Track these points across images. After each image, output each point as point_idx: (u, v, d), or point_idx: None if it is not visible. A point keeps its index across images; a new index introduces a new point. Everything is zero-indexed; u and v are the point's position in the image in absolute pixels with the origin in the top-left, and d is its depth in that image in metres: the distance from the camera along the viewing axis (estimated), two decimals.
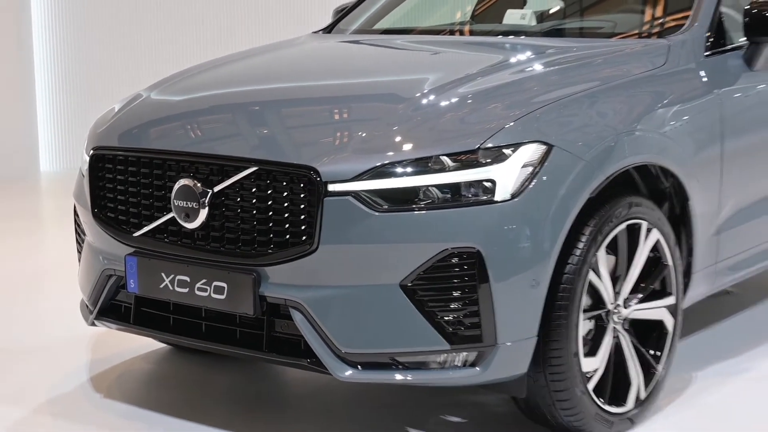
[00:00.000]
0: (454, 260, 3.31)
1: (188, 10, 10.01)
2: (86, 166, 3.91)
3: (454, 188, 3.34)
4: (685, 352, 4.38)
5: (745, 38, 4.35)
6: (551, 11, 5.10)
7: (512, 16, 5.00)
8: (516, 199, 3.35)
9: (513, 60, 4.24)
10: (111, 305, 3.90)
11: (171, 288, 3.62)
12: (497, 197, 3.34)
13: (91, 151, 3.90)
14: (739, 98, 4.30)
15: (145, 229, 3.69)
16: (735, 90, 4.28)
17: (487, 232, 3.32)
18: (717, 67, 4.25)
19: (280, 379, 4.36)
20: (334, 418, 3.95)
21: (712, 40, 4.27)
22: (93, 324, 3.97)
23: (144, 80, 5.13)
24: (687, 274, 4.08)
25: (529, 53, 4.32)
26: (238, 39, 8.98)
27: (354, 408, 4.04)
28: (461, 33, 5.21)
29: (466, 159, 3.36)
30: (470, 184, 3.34)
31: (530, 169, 3.39)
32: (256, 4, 9.95)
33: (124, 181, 3.77)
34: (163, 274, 3.64)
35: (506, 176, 3.35)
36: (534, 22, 4.93)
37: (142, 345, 4.55)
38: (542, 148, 3.42)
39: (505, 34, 4.85)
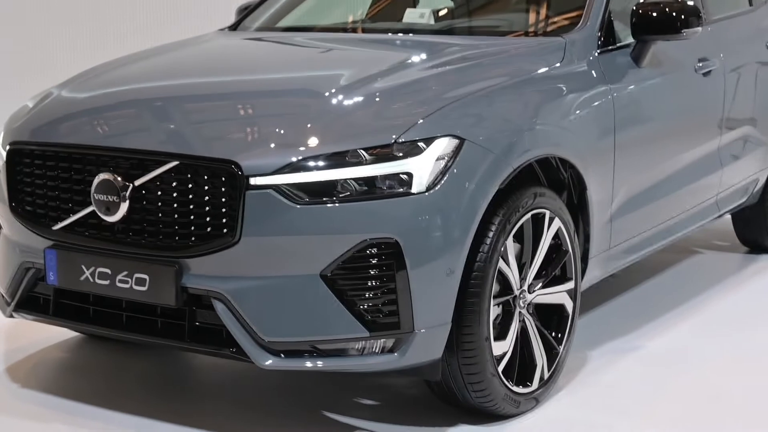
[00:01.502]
0: (373, 250, 3.30)
1: (105, 2, 9.54)
2: (3, 161, 3.79)
3: (371, 181, 3.32)
4: (580, 332, 4.43)
5: (632, 37, 4.39)
6: (449, 10, 5.08)
7: (412, 15, 4.97)
8: (431, 191, 3.34)
9: (418, 58, 4.22)
10: (29, 297, 3.79)
11: (92, 280, 3.54)
12: (413, 189, 3.33)
13: (8, 146, 3.78)
14: (629, 93, 4.36)
15: (65, 222, 3.60)
16: (624, 85, 4.34)
17: (404, 223, 3.31)
18: (608, 64, 4.30)
19: (193, 364, 4.31)
20: (248, 403, 3.91)
21: (602, 39, 4.31)
22: (11, 316, 3.86)
23: (49, 79, 4.99)
24: (584, 259, 4.13)
25: (432, 51, 4.30)
26: (153, 35, 8.72)
27: (269, 393, 3.99)
28: (361, 31, 5.14)
29: (382, 152, 3.35)
30: (386, 177, 3.33)
31: (443, 162, 3.39)
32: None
33: (42, 176, 3.67)
34: (83, 267, 3.55)
35: (422, 169, 3.34)
36: (433, 21, 4.90)
37: (56, 334, 4.43)
38: (454, 141, 3.43)
39: (405, 32, 4.80)
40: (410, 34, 4.72)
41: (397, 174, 3.33)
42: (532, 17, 4.72)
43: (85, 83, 4.20)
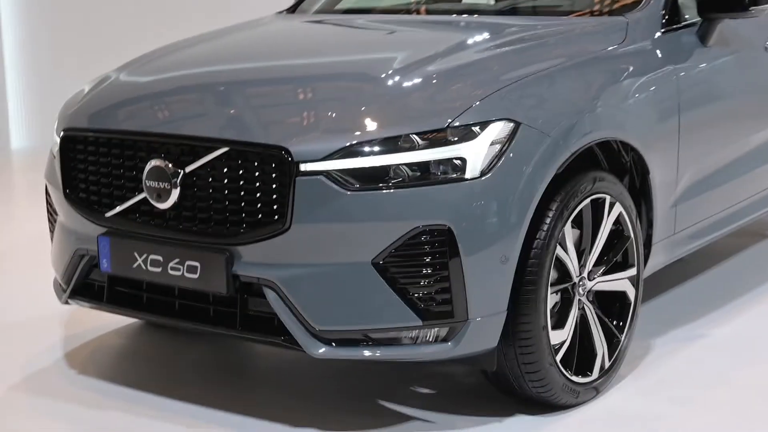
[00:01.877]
0: (425, 237, 3.21)
1: None
2: (57, 148, 3.77)
3: (424, 166, 3.24)
4: (643, 320, 4.30)
5: (698, 16, 4.26)
6: None
7: None
8: (485, 177, 3.25)
9: (476, 39, 4.11)
10: (84, 284, 3.78)
11: (144, 267, 3.51)
12: (467, 175, 3.24)
13: (62, 133, 3.77)
14: (694, 73, 4.22)
15: (118, 209, 3.57)
16: (689, 66, 4.20)
17: (457, 209, 3.23)
18: (672, 43, 4.16)
19: (249, 352, 4.25)
20: (303, 391, 3.86)
21: (667, 17, 4.17)
22: (66, 303, 3.86)
23: (111, 60, 4.97)
24: (647, 245, 4.01)
25: (491, 32, 4.19)
26: (201, 21, 8.73)
27: (324, 380, 3.93)
28: (420, 12, 5.01)
29: (435, 137, 3.26)
30: (440, 162, 3.25)
31: (498, 146, 3.29)
32: None
33: (95, 162, 3.65)
34: (135, 254, 3.52)
35: (475, 154, 3.25)
36: (493, 1, 4.79)
37: (114, 321, 4.40)
38: (510, 125, 3.33)
39: (465, 12, 4.70)
40: (470, 15, 4.61)
41: (451, 159, 3.24)
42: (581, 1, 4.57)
43: (139, 68, 4.17)
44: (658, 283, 4.83)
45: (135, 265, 3.51)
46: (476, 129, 3.27)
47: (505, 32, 4.13)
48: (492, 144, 3.27)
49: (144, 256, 3.49)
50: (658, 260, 4.13)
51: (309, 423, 3.53)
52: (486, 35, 4.14)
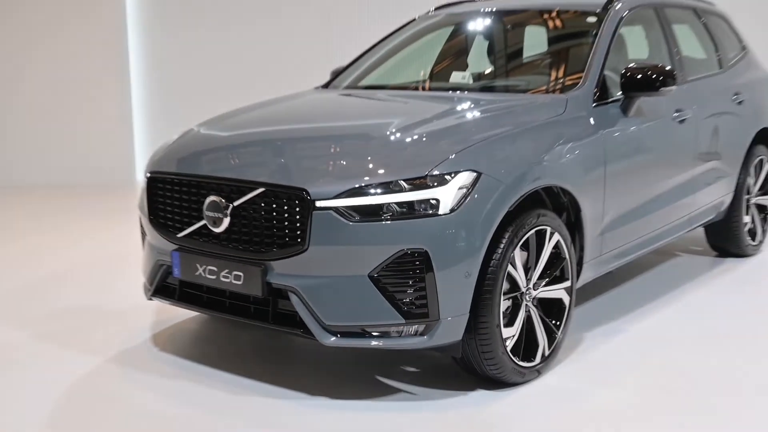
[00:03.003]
0: (408, 257, 3.13)
1: (263, 49, 9.26)
2: (145, 185, 3.71)
3: (409, 204, 3.15)
4: (578, 319, 4.19)
5: (621, 93, 4.13)
6: (483, 73, 4.84)
7: (456, 77, 4.77)
8: (454, 213, 3.16)
9: (455, 109, 3.99)
10: (163, 286, 3.72)
11: (203, 275, 3.45)
12: (440, 211, 3.16)
13: (149, 174, 3.72)
14: (617, 136, 4.07)
15: (186, 232, 3.52)
16: (614, 130, 4.06)
17: (432, 237, 3.13)
18: (602, 114, 4.03)
19: (280, 341, 4.10)
20: (319, 370, 3.75)
21: (598, 95, 4.05)
22: (150, 299, 3.80)
23: (221, 105, 4.92)
24: (580, 263, 3.89)
25: (466, 104, 4.08)
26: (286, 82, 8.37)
27: (334, 363, 3.82)
28: (422, 89, 4.88)
29: (417, 183, 3.18)
30: (421, 202, 3.16)
31: (464, 190, 3.20)
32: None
33: (171, 197, 3.59)
34: (197, 265, 3.46)
35: (447, 196, 3.17)
36: (471, 81, 4.69)
37: (186, 313, 4.31)
38: (474, 174, 3.23)
39: (452, 90, 4.57)
40: (455, 92, 4.48)
41: (429, 200, 3.15)
42: (544, 79, 4.43)
43: (207, 127, 4.09)
44: (592, 290, 4.71)
45: (197, 273, 3.45)
46: (448, 177, 3.18)
47: (476, 105, 4.01)
48: (460, 188, 3.18)
49: (203, 267, 3.43)
50: (588, 274, 4.00)
51: (322, 393, 3.45)
52: (463, 106, 4.03)
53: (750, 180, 5.45)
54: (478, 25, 5.08)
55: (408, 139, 3.48)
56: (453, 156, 3.25)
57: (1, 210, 7.95)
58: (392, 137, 3.52)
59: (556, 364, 3.70)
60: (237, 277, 3.32)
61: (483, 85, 4.68)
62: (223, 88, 9.09)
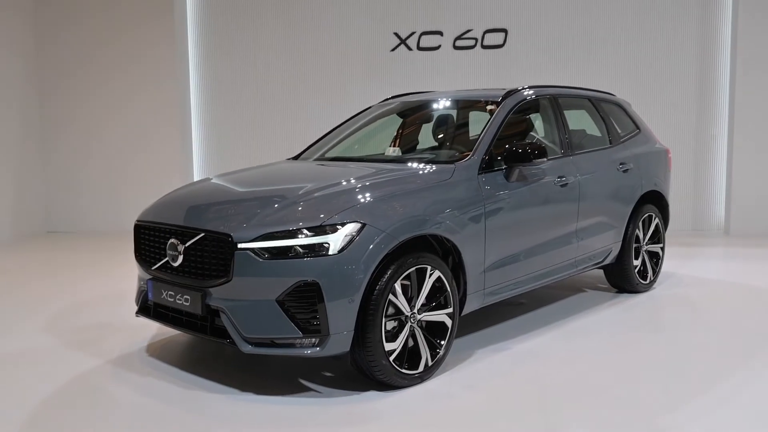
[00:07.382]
0: (305, 287, 3.28)
1: (305, 102, 8.93)
2: (133, 230, 3.94)
3: (308, 247, 3.31)
4: (478, 337, 4.25)
5: (504, 164, 4.24)
6: (399, 149, 4.94)
7: (389, 151, 4.92)
8: (341, 254, 3.32)
9: (363, 175, 3.97)
10: (144, 306, 3.91)
11: (166, 298, 3.64)
12: (330, 252, 3.31)
13: (136, 222, 3.94)
14: (497, 198, 4.12)
15: (156, 265, 3.73)
16: (494, 191, 4.10)
17: (323, 271, 3.29)
18: (486, 179, 4.10)
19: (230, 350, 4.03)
20: (250, 373, 3.83)
21: (485, 165, 4.14)
22: (137, 316, 3.96)
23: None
24: (464, 295, 3.96)
25: (371, 170, 4.05)
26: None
27: (265, 368, 3.92)
28: (366, 161, 4.69)
29: (315, 230, 3.34)
30: (316, 244, 3.31)
31: (350, 236, 3.35)
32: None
33: (147, 239, 3.82)
34: (162, 290, 3.67)
35: (336, 240, 3.32)
36: (391, 153, 4.82)
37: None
38: (359, 225, 3.39)
39: (369, 161, 4.55)
40: (368, 162, 4.45)
41: (322, 243, 3.31)
42: (446, 153, 4.56)
43: (182, 188, 4.29)
44: (500, 316, 4.74)
45: (162, 296, 3.65)
46: (338, 226, 3.34)
47: (380, 173, 3.97)
48: (346, 235, 3.33)
49: (166, 292, 3.63)
50: (473, 305, 4.06)
51: (254, 390, 3.56)
52: (365, 172, 4.01)
53: (639, 232, 5.51)
54: (415, 111, 5.27)
55: (310, 198, 3.55)
56: (342, 212, 3.39)
57: (64, 251, 7.83)
58: (299, 195, 3.58)
59: (441, 372, 3.77)
60: (186, 300, 3.52)
61: (401, 157, 4.71)
62: (272, 152, 8.78)
